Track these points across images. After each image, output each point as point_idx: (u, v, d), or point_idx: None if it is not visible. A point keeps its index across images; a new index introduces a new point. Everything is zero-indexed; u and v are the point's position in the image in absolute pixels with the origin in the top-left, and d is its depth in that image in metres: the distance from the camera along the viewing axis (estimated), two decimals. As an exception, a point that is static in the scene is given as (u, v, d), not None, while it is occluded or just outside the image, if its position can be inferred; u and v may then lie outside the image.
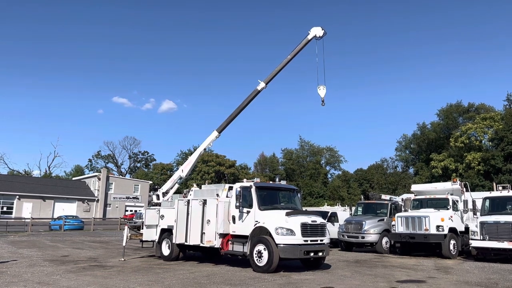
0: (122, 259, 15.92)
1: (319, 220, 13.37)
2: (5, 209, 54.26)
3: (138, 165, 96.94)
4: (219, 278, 11.53)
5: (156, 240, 16.69)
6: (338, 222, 23.18)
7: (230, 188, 14.52)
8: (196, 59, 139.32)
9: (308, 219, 12.96)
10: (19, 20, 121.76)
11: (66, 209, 57.59)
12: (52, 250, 19.55)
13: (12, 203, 55.44)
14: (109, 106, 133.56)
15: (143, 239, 17.17)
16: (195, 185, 16.44)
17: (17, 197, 55.67)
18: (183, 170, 18.04)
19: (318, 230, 13.12)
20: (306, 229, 12.75)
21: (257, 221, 13.14)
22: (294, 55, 18.18)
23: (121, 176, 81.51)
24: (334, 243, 22.81)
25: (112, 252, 19.08)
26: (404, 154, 79.39)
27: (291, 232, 12.50)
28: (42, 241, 25.34)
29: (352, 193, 71.88)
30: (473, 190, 38.21)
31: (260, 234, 12.93)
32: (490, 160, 54.79)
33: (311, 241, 12.83)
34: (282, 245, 12.43)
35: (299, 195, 15.07)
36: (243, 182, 14.43)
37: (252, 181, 14.11)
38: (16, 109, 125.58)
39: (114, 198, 66.89)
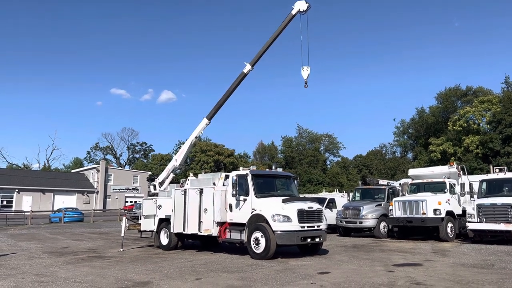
0: (121, 250, 15.97)
1: (316, 206, 13.40)
2: (5, 202, 54.34)
3: (137, 156, 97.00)
4: (216, 266, 11.58)
5: (155, 230, 16.75)
6: (336, 208, 23.24)
7: (227, 177, 14.52)
8: (193, 47, 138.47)
9: (304, 206, 12.99)
10: (16, 14, 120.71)
11: (66, 201, 57.70)
12: (52, 242, 19.61)
13: (12, 197, 55.52)
14: (108, 98, 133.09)
15: (142, 229, 17.23)
16: (191, 174, 16.45)
17: (17, 190, 55.72)
18: (177, 160, 18.03)
19: (314, 216, 13.16)
20: (303, 216, 12.78)
21: (254, 209, 13.18)
22: (278, 33, 17.72)
23: (120, 168, 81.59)
24: (332, 228, 22.93)
25: (112, 243, 19.14)
26: (402, 139, 79.37)
27: (287, 218, 12.54)
28: (42, 233, 25.42)
29: (351, 179, 71.98)
30: (471, 173, 38.23)
31: (257, 222, 12.97)
32: (488, 143, 54.81)
33: (308, 227, 12.88)
34: (279, 232, 12.48)
35: (295, 182, 15.07)
36: (239, 170, 14.44)
37: (248, 169, 14.11)
38: (14, 103, 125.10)
39: (113, 189, 67.02)
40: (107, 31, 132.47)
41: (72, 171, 77.52)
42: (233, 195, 13.61)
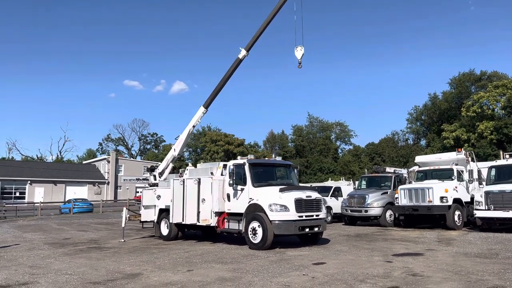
0: (122, 240, 15.93)
1: (314, 195, 13.07)
2: (17, 194, 55.17)
3: (148, 147, 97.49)
4: (212, 257, 11.38)
5: (155, 220, 16.65)
6: (342, 196, 22.89)
7: (225, 166, 14.27)
8: (205, 37, 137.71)
9: (302, 195, 12.68)
10: (29, 5, 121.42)
11: (78, 192, 58.28)
12: (56, 233, 19.67)
13: (25, 188, 56.27)
14: (121, 89, 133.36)
15: (142, 220, 17.15)
16: (190, 164, 16.23)
17: (29, 182, 56.42)
18: (175, 149, 17.86)
19: (313, 205, 12.84)
20: (301, 205, 12.49)
21: (251, 198, 12.94)
22: (272, 16, 17.14)
23: (131, 158, 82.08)
24: (338, 217, 22.63)
25: (115, 233, 19.12)
26: (415, 126, 78.17)
27: (285, 208, 12.26)
28: (50, 224, 25.60)
29: (363, 168, 71.15)
30: (485, 159, 37.42)
31: (255, 211, 12.72)
32: (503, 128, 53.61)
33: (306, 216, 12.58)
34: (276, 222, 12.22)
35: (295, 170, 14.76)
36: (237, 159, 14.19)
37: (246, 158, 13.84)
38: (27, 96, 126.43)
39: (124, 180, 67.35)
40: (120, 23, 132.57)
41: (84, 162, 78.20)
42: (230, 185, 13.39)
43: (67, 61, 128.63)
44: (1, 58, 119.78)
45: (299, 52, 17.00)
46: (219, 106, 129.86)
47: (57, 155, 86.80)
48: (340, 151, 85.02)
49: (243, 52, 17.13)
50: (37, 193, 55.46)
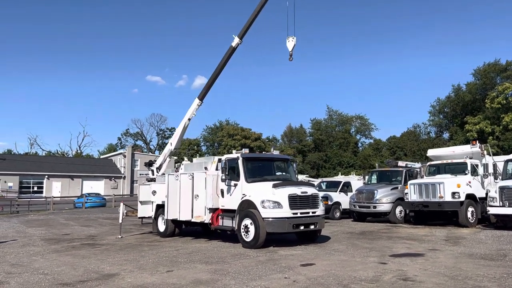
0: (119, 237, 15.62)
1: (311, 191, 12.36)
2: (35, 188, 56.07)
3: (166, 141, 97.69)
4: (199, 256, 10.85)
5: (153, 216, 16.25)
6: (351, 191, 22.02)
7: (220, 161, 13.70)
8: (227, 32, 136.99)
9: (297, 190, 11.99)
10: (48, 2, 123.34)
11: (94, 187, 58.78)
12: (58, 229, 19.53)
13: (42, 183, 57.08)
14: (144, 85, 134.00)
15: (139, 216, 16.79)
16: (185, 159, 15.74)
17: (46, 176, 57.19)
18: (172, 143, 17.44)
19: (309, 201, 12.14)
20: (295, 201, 11.81)
21: (244, 194, 12.34)
22: (265, 1, 16.41)
23: (149, 153, 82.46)
24: (348, 213, 21.81)
25: (116, 229, 18.75)
26: (438, 119, 75.91)
27: (278, 204, 11.62)
28: (58, 219, 25.61)
29: (384, 162, 69.47)
30: (511, 153, 35.66)
31: (248, 208, 12.13)
32: (529, 120, 51.37)
33: (301, 213, 11.90)
34: (269, 219, 11.60)
35: (294, 165, 14.06)
36: (232, 154, 13.61)
37: (240, 152, 13.23)
38: (51, 92, 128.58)
39: (140, 174, 67.43)
40: (144, 18, 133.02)
41: (101, 157, 78.94)
42: (222, 180, 12.81)
43: (92, 58, 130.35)
44: (24, 54, 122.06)
45: (290, 43, 16.13)
46: (237, 101, 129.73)
47: (77, 150, 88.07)
48: (360, 145, 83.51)
49: (236, 40, 16.43)
50: (55, 188, 56.19)
